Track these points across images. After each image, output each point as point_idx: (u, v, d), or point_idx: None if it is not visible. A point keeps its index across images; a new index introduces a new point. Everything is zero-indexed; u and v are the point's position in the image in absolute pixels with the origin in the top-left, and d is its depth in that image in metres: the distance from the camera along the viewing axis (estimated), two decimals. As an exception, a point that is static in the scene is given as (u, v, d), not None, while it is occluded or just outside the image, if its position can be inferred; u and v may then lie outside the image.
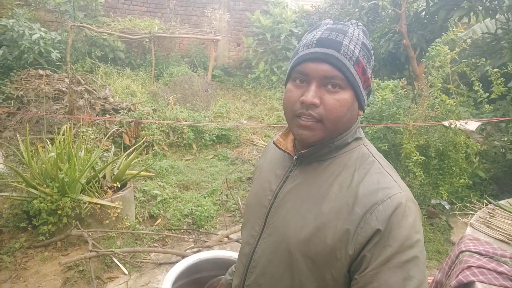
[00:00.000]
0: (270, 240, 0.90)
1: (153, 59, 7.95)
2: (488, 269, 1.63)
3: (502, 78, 3.31)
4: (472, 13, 4.46)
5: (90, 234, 3.00)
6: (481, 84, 3.37)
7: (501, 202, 2.27)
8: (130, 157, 3.72)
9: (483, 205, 2.32)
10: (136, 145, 4.08)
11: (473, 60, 3.57)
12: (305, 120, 0.83)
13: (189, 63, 8.85)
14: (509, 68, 3.54)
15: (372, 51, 0.89)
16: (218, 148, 5.79)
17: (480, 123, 4.63)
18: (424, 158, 3.26)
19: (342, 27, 0.86)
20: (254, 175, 1.12)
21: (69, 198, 3.04)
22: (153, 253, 3.17)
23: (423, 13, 5.13)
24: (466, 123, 4.40)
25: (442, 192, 3.37)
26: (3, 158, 4.25)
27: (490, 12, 4.61)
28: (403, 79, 3.84)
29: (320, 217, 0.82)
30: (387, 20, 5.58)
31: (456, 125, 3.62)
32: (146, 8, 9.27)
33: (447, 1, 4.66)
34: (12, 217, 3.17)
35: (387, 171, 0.85)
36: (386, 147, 3.49)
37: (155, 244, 3.32)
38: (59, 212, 3.01)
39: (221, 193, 4.19)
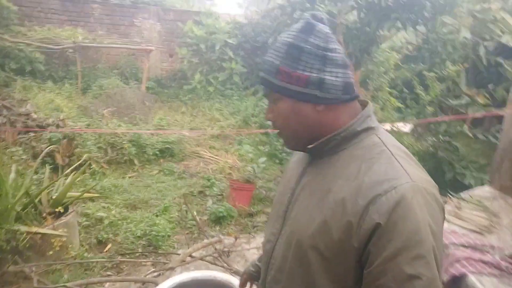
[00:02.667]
0: (285, 237, 0.92)
1: (79, 71, 7.33)
2: (475, 259, 1.70)
3: (438, 83, 3.64)
4: (399, 23, 4.87)
5: (34, 269, 2.58)
6: (422, 88, 3.65)
7: (462, 194, 2.43)
8: (70, 178, 3.31)
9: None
10: (74, 165, 3.66)
11: (412, 65, 3.88)
12: (278, 133, 0.97)
13: (119, 75, 8.33)
14: (438, 72, 3.89)
15: (306, 43, 0.84)
16: (162, 162, 5.47)
17: (411, 125, 5.05)
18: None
19: (279, 38, 0.91)
20: (282, 175, 1.17)
21: (3, 230, 2.59)
22: (107, 284, 2.84)
23: (357, 24, 5.47)
24: (401, 126, 4.76)
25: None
26: None
27: (412, 22, 5.09)
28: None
29: (325, 211, 0.81)
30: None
31: (397, 128, 3.88)
32: (67, 17, 8.54)
33: (376, 13, 5.02)
34: None
35: (397, 160, 0.81)
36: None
37: (108, 273, 2.98)
38: (-10, 247, 2.55)
39: (180, 209, 3.94)
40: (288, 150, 4.99)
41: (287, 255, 0.90)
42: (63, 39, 7.54)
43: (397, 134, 3.67)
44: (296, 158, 1.08)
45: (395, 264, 0.72)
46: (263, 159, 4.78)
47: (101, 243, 3.34)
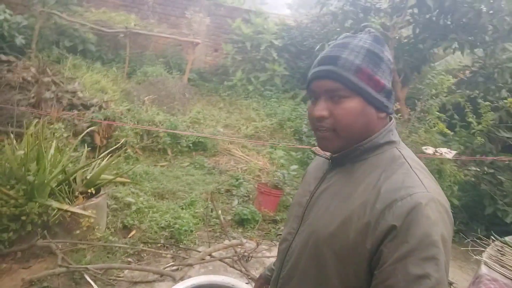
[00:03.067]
0: (302, 236, 0.97)
1: (127, 56, 7.54)
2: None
3: (492, 112, 3.41)
4: (456, 44, 4.62)
5: (60, 246, 2.66)
6: (474, 116, 3.44)
7: (507, 239, 2.25)
8: (106, 161, 3.39)
9: (477, 239, 2.31)
10: (112, 148, 3.74)
11: (467, 91, 3.66)
12: (321, 132, 0.93)
13: (164, 64, 8.50)
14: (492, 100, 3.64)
15: (383, 54, 0.93)
16: (194, 155, 5.52)
17: (456, 151, 4.78)
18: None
19: (347, 40, 0.94)
20: (302, 179, 1.23)
21: (36, 203, 2.69)
22: (127, 270, 2.87)
23: (410, 40, 5.25)
24: (445, 151, 4.51)
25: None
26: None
27: (471, 45, 4.81)
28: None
29: (345, 213, 0.86)
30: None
31: (440, 153, 3.67)
32: (122, 2, 8.83)
33: (433, 31, 4.79)
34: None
35: (415, 172, 0.86)
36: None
37: (129, 259, 3.02)
38: (23, 218, 2.65)
39: (207, 207, 3.94)
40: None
41: (302, 253, 0.95)
42: (116, 23, 7.79)
43: (439, 160, 3.47)
44: (315, 164, 1.16)
45: (405, 264, 0.75)
46: (294, 166, 4.70)
47: (126, 228, 3.40)
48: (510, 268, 1.93)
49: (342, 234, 0.85)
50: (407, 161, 0.89)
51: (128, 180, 3.76)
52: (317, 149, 1.05)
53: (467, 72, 3.42)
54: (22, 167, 2.74)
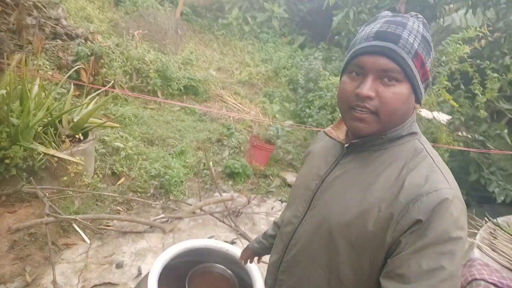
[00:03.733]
0: (312, 221, 0.94)
1: (116, -19, 6.91)
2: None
3: (498, 84, 3.30)
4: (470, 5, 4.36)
5: (46, 194, 2.57)
6: (481, 88, 3.33)
7: (499, 220, 2.28)
8: (93, 104, 3.20)
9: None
10: (100, 90, 3.52)
11: (478, 61, 3.51)
12: (360, 113, 0.84)
13: (156, -6, 7.87)
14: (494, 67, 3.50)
15: (432, 44, 0.87)
16: (185, 99, 5.33)
17: (450, 117, 4.75)
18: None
19: (402, 20, 0.84)
20: (303, 159, 1.17)
21: (21, 147, 2.54)
22: (116, 220, 2.84)
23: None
24: (440, 114, 4.47)
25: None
26: None
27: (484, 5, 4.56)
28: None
29: (364, 204, 0.83)
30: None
31: (434, 116, 3.62)
32: None
33: (448, -12, 4.48)
34: None
35: (438, 167, 0.83)
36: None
37: (118, 208, 2.98)
38: (7, 161, 2.52)
39: (199, 161, 3.86)
40: (315, 115, 4.79)
41: (312, 239, 0.93)
42: None
43: (432, 122, 3.42)
44: (321, 145, 1.09)
45: (420, 256, 0.74)
46: (289, 121, 4.59)
47: (115, 175, 3.32)
48: (501, 252, 1.96)
49: (359, 225, 0.83)
50: (429, 155, 0.86)
51: (117, 125, 3.60)
52: (330, 131, 1.00)
53: (483, 42, 3.26)
54: (4, 108, 2.54)
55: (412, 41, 0.81)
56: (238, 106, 5.50)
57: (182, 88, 5.29)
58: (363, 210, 0.83)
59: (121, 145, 3.59)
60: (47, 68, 3.60)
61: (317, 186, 0.96)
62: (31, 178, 2.62)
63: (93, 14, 6.09)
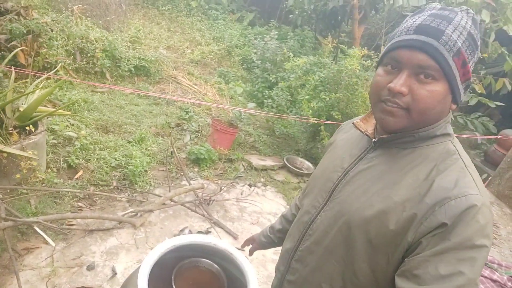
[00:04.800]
0: (331, 213, 0.92)
1: None
2: (485, 277, 1.73)
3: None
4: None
5: (0, 196, 2.27)
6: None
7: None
8: (44, 90, 2.86)
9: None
10: (47, 74, 3.14)
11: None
12: (390, 106, 0.81)
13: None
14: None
15: (479, 42, 0.83)
16: (136, 81, 4.99)
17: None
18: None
19: (449, 14, 0.80)
20: (326, 149, 1.15)
21: (-39, 144, 2.20)
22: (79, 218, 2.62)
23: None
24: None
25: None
26: None
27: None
28: (365, 48, 3.74)
29: (387, 201, 0.81)
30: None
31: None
32: None
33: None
34: None
35: (469, 172, 0.81)
36: (340, 116, 3.47)
37: (80, 204, 2.74)
38: None
39: (167, 149, 3.65)
40: (274, 96, 4.76)
41: (329, 231, 0.91)
42: None
43: None
44: (346, 136, 1.07)
45: (439, 260, 0.73)
46: (252, 104, 4.51)
47: (72, 168, 3.03)
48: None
49: (380, 223, 0.81)
50: (461, 158, 0.84)
51: (69, 113, 3.26)
52: (358, 123, 0.96)
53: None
54: None
55: (455, 38, 0.77)
56: (194, 87, 5.29)
57: (132, 69, 4.94)
58: (386, 208, 0.81)
59: (74, 134, 3.28)
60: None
61: (339, 178, 0.94)
62: (-23, 178, 2.29)
63: (21, -15, 5.38)
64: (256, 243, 1.48)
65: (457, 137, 0.92)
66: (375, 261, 0.83)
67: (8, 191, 2.44)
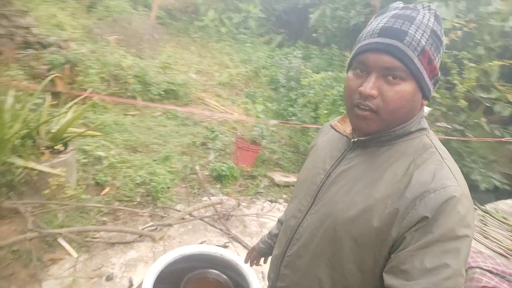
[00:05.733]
0: (316, 216, 0.93)
1: (87, -13, 6.74)
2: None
3: (475, 73, 3.37)
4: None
5: (28, 209, 2.46)
6: (460, 79, 3.40)
7: (487, 207, 2.32)
8: (72, 113, 3.09)
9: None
10: (78, 98, 3.40)
11: (454, 52, 3.58)
12: (362, 111, 0.83)
13: (128, -2, 7.73)
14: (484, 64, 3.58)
15: (443, 38, 0.84)
16: (166, 104, 5.23)
17: (431, 109, 4.84)
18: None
19: (411, 13, 0.81)
20: (308, 152, 1.15)
21: (-3, 162, 2.42)
22: (103, 231, 2.75)
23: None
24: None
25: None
26: None
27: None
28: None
29: (369, 199, 0.82)
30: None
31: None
32: None
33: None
34: None
35: (446, 164, 0.82)
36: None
37: (104, 219, 2.88)
38: (-17, 178, 2.39)
39: (185, 166, 3.78)
40: (298, 113, 4.78)
41: (316, 234, 0.91)
42: None
43: None
44: (326, 138, 1.07)
45: (424, 253, 0.73)
46: (273, 121, 4.57)
47: (99, 185, 3.21)
48: (493, 239, 1.99)
49: (364, 221, 0.82)
50: (437, 151, 0.85)
51: (99, 133, 3.49)
52: (336, 125, 0.98)
53: (459, 32, 3.32)
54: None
55: (419, 38, 0.79)
56: (221, 108, 5.44)
57: (162, 92, 5.19)
58: (368, 206, 0.82)
59: (103, 154, 3.48)
60: (20, 78, 3.45)
61: (323, 181, 0.95)
62: (10, 193, 2.50)
63: (64, 21, 5.91)
64: (255, 251, 1.48)
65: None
66: (362, 260, 0.84)
67: (37, 205, 2.62)
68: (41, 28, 5.24)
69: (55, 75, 3.89)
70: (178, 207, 3.24)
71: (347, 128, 0.98)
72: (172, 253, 1.87)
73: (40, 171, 2.63)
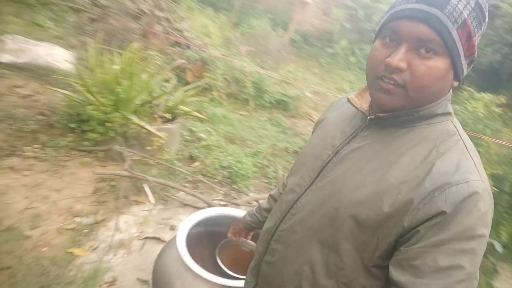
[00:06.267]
0: (320, 193, 0.87)
1: (238, 6, 7.75)
2: None
3: None
4: None
5: (130, 154, 3.02)
6: None
7: None
8: (187, 93, 3.66)
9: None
10: (196, 83, 4.00)
11: None
12: (386, 83, 0.75)
13: (271, 20, 8.56)
14: None
15: (487, 13, 0.75)
16: (273, 112, 5.61)
17: None
18: (496, 189, 2.87)
19: None
20: (315, 127, 1.08)
21: (120, 114, 3.06)
22: (182, 192, 3.15)
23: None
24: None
25: (502, 232, 2.98)
26: (75, 59, 4.38)
27: None
28: (502, 96, 3.32)
29: (382, 183, 0.76)
30: (501, 29, 4.88)
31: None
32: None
33: None
34: (66, 116, 3.26)
35: (470, 155, 0.76)
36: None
37: (186, 185, 3.29)
38: (108, 124, 3.04)
39: (264, 156, 4.06)
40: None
41: (315, 211, 0.86)
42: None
43: None
44: (338, 113, 1.00)
45: (439, 251, 0.68)
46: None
47: (192, 159, 3.69)
48: None
49: (373, 205, 0.76)
50: (462, 139, 0.78)
51: (204, 117, 4.02)
52: (353, 99, 0.90)
53: None
54: (115, 81, 3.11)
55: (461, 8, 0.70)
56: (325, 126, 5.54)
57: (273, 101, 5.59)
58: (380, 190, 0.76)
59: (204, 136, 3.98)
60: (157, 58, 4.24)
61: (330, 157, 0.88)
62: (122, 140, 3.11)
63: (212, 31, 6.91)
64: (241, 223, 1.41)
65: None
66: (363, 243, 0.79)
67: (139, 157, 3.18)
68: (191, 34, 6.27)
69: (186, 65, 4.63)
70: (251, 195, 3.47)
71: (364, 104, 0.89)
72: (211, 210, 2.08)
73: (149, 131, 3.19)
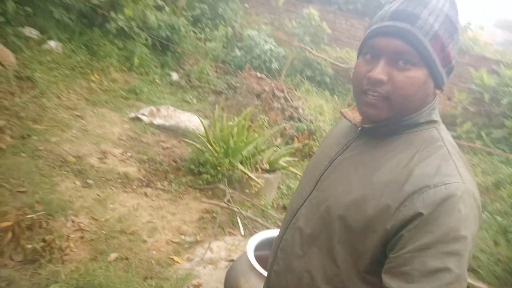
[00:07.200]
0: (315, 201, 0.93)
1: (351, 90, 8.37)
2: None
3: None
4: None
5: (231, 193, 3.62)
6: None
7: None
8: (286, 150, 4.21)
9: None
10: (298, 145, 4.55)
11: None
12: (371, 98, 0.81)
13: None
14: None
15: (458, 25, 0.81)
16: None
17: None
18: None
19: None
20: (322, 141, 1.19)
21: (228, 161, 3.75)
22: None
23: None
24: None
25: None
26: (206, 125, 5.49)
27: None
28: None
29: (367, 187, 0.81)
30: None
31: None
32: (365, 45, 9.80)
33: None
34: (190, 161, 4.13)
35: (452, 159, 0.79)
36: None
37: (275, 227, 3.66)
38: (219, 168, 3.75)
39: None
40: None
41: (312, 218, 0.92)
42: (352, 61, 8.79)
43: None
44: (339, 128, 1.08)
45: (426, 254, 0.70)
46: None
47: (285, 209, 4.07)
48: None
49: (359, 209, 0.80)
50: (445, 145, 0.82)
51: (299, 173, 4.45)
52: (346, 112, 0.98)
53: None
54: (229, 135, 3.89)
55: (432, 22, 0.77)
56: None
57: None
58: (365, 194, 0.81)
59: (300, 193, 4.36)
60: (265, 122, 4.99)
61: (326, 167, 0.94)
62: (226, 182, 3.76)
63: (325, 110, 7.60)
64: None
65: None
66: (355, 249, 0.82)
67: (238, 195, 3.74)
68: (306, 111, 7.05)
69: (288, 127, 5.28)
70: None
71: (357, 117, 0.95)
72: (258, 235, 2.39)
73: (249, 178, 3.78)
